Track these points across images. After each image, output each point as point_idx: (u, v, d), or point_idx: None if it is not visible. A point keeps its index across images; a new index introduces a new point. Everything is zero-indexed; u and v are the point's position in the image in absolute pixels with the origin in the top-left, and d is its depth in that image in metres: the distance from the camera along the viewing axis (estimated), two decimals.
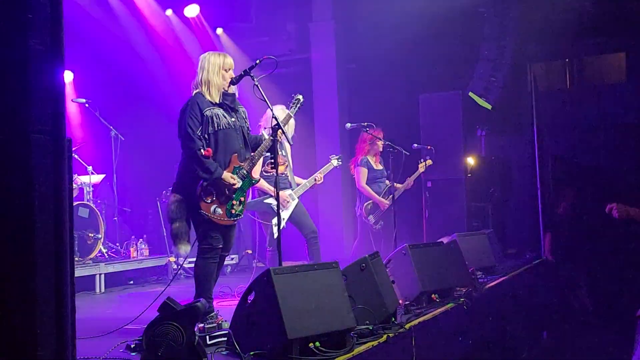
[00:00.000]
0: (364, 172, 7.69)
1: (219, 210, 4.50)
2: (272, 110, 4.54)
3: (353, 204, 8.68)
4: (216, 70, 4.62)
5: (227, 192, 4.54)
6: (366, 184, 7.78)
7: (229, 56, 4.72)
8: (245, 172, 4.66)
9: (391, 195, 7.47)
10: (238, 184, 4.58)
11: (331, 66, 10.41)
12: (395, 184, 7.63)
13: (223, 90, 4.64)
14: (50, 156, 2.03)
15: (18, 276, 1.98)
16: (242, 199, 4.66)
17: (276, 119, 4.43)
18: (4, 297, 1.98)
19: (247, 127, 4.81)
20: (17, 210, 1.99)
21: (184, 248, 4.55)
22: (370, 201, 7.68)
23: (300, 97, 4.97)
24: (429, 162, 7.79)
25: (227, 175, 4.52)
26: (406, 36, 9.47)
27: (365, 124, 7.14)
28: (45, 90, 2.03)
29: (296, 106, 4.94)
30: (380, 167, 7.81)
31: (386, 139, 7.48)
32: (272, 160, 4.46)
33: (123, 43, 9.67)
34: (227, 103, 4.65)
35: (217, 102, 4.61)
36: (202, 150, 4.46)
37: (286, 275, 3.54)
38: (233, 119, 4.64)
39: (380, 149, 7.75)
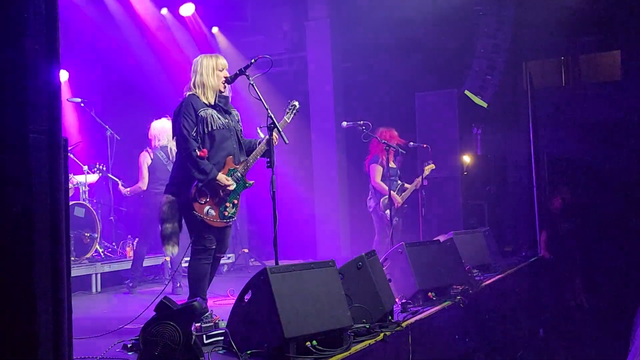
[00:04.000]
0: (379, 170, 7.62)
1: (212, 212, 4.50)
2: (268, 109, 4.52)
3: (355, 201, 8.58)
4: (210, 71, 4.61)
5: (221, 193, 4.53)
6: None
7: (221, 56, 4.72)
8: (239, 174, 4.66)
9: (405, 192, 7.63)
10: (232, 185, 4.58)
11: (327, 65, 10.41)
12: (405, 184, 7.67)
13: (219, 91, 4.64)
14: (46, 156, 2.03)
15: (15, 276, 1.98)
16: (236, 201, 4.65)
17: (272, 118, 4.42)
18: (1, 297, 1.98)
19: (240, 130, 4.81)
20: (13, 210, 1.98)
21: (172, 250, 4.57)
22: (386, 196, 7.53)
23: (296, 103, 4.87)
24: (432, 166, 7.72)
25: (222, 176, 4.51)
26: (402, 34, 9.49)
27: (362, 122, 7.12)
28: (41, 89, 2.02)
29: (292, 112, 4.83)
30: (394, 165, 7.73)
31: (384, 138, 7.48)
32: (268, 160, 4.46)
33: (118, 42, 9.65)
34: (221, 105, 4.65)
35: (212, 103, 4.61)
36: (197, 151, 4.45)
37: (283, 274, 3.54)
38: (227, 120, 4.64)
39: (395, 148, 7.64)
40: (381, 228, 7.72)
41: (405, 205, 7.73)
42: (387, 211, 7.48)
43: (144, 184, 7.07)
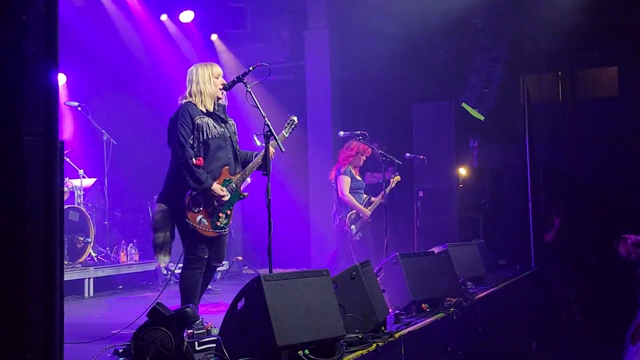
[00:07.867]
0: (347, 181, 7.40)
1: (205, 221, 4.48)
2: (265, 117, 4.51)
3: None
4: (207, 79, 4.61)
5: (215, 203, 4.52)
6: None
7: (216, 65, 4.72)
8: (234, 185, 4.64)
9: (371, 205, 7.46)
10: (227, 197, 4.57)
11: (325, 74, 10.42)
12: (370, 197, 7.58)
13: (217, 98, 4.64)
14: (42, 159, 2.03)
15: (7, 279, 1.97)
16: (229, 212, 4.64)
17: (269, 126, 4.42)
18: None
19: (236, 140, 4.80)
20: (7, 213, 1.98)
21: (163, 259, 4.54)
22: (354, 211, 7.41)
23: (295, 118, 4.88)
24: (398, 178, 7.62)
25: (216, 186, 4.50)
26: (400, 46, 9.51)
27: (359, 132, 7.13)
28: (38, 92, 2.02)
29: (290, 127, 4.84)
30: (359, 178, 7.63)
31: (379, 148, 7.48)
32: (264, 168, 4.45)
33: (117, 47, 9.67)
34: (218, 113, 4.65)
35: (210, 110, 4.60)
36: (193, 160, 4.44)
37: (276, 282, 3.52)
38: (222, 129, 4.63)
39: (361, 163, 7.60)
40: (343, 244, 7.52)
41: (369, 220, 7.49)
42: (353, 226, 7.38)
43: None
